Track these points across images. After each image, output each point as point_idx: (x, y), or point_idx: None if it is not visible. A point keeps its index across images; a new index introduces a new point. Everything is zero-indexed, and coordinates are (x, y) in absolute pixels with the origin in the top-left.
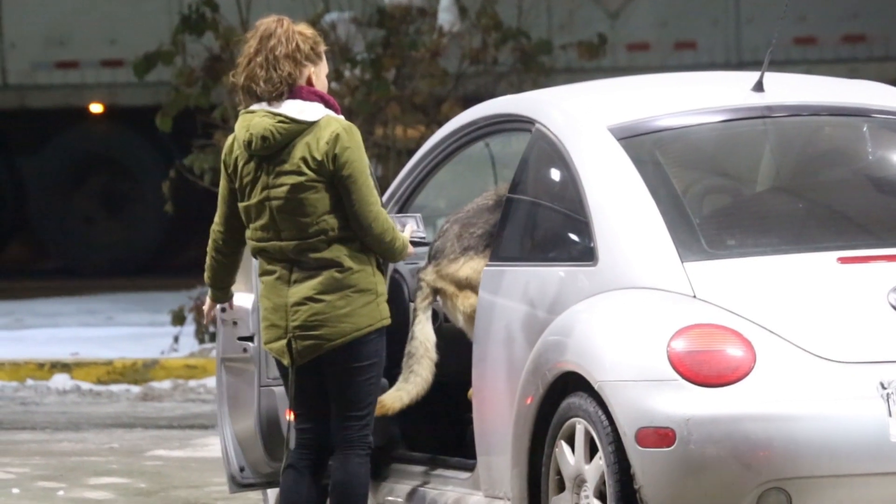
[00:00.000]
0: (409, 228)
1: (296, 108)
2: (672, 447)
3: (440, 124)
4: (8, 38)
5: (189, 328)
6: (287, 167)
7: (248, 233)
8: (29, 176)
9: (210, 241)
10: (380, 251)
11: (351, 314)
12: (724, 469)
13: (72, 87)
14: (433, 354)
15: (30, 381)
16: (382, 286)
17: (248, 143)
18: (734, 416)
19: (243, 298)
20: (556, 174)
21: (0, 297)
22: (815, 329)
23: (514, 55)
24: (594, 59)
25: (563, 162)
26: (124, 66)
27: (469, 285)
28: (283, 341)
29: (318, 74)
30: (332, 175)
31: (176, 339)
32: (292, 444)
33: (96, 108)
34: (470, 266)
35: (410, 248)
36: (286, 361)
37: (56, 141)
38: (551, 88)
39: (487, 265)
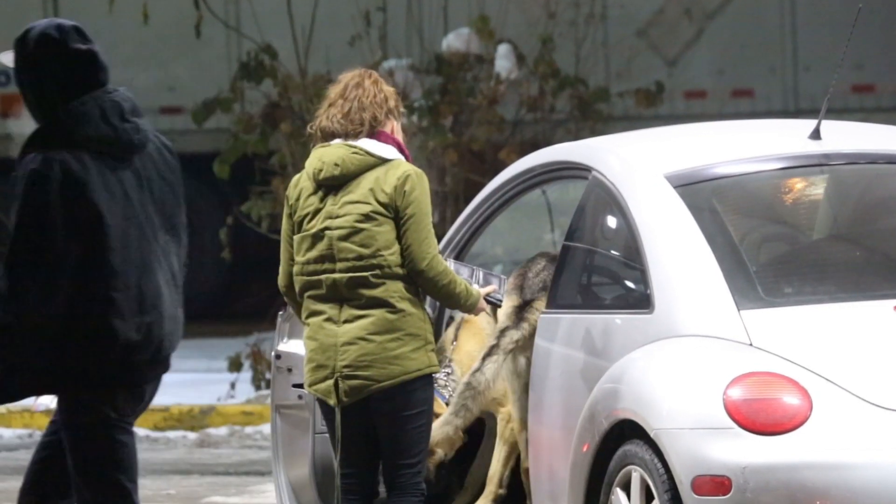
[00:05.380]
0: (490, 287)
1: (371, 144)
2: (728, 495)
3: (497, 171)
4: None
5: (246, 374)
6: (354, 197)
7: (296, 267)
8: None
9: (289, 305)
10: (437, 296)
11: (401, 357)
12: None
13: None
14: (490, 395)
15: None
16: (431, 335)
17: (318, 171)
18: (791, 464)
19: (298, 345)
20: (612, 221)
21: None
22: (872, 377)
23: (572, 103)
24: (651, 107)
25: (619, 209)
26: (183, 113)
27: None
28: (331, 381)
29: (397, 129)
30: (397, 211)
31: (233, 385)
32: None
33: None
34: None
35: (483, 304)
36: (332, 402)
37: None
38: (608, 136)
39: (544, 312)
